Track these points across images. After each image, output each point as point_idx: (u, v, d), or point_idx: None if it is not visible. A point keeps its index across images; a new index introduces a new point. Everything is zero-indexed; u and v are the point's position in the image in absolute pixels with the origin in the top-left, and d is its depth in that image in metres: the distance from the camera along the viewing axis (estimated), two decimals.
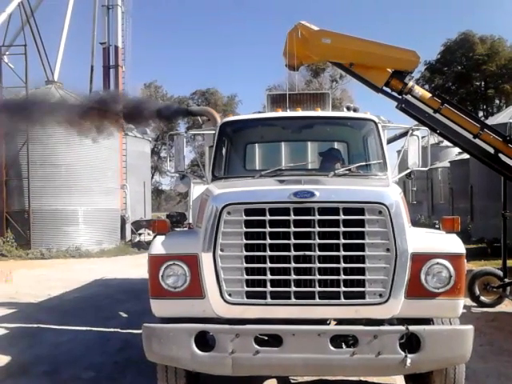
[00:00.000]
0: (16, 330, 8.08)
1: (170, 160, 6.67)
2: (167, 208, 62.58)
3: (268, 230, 3.93)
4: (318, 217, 3.90)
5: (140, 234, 26.56)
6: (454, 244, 4.08)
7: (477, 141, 8.82)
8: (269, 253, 3.94)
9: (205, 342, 4.04)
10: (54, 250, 20.40)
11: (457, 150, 24.83)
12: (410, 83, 9.10)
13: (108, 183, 22.90)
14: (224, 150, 5.88)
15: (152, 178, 51.73)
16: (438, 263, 3.95)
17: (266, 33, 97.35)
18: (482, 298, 9.35)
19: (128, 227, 25.87)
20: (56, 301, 10.82)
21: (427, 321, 4.09)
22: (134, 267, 15.17)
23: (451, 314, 4.08)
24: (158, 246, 4.21)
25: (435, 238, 4.25)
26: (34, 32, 23.20)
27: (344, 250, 3.90)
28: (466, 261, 4.05)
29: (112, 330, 8.05)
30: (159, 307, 4.19)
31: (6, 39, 22.68)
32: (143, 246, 22.95)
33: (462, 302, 4.07)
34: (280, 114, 6.14)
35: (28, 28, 23.09)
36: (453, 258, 3.98)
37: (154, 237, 4.47)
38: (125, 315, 9.28)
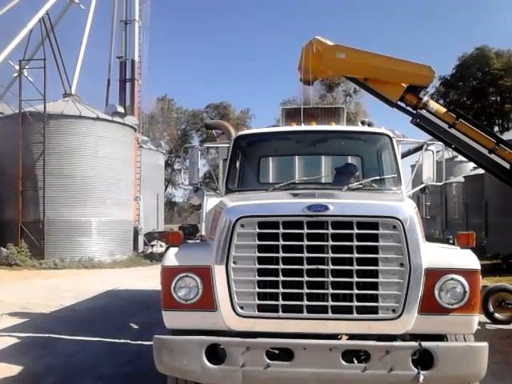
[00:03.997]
0: (27, 340, 8.11)
1: (184, 172, 6.72)
2: (180, 220, 62.77)
3: (281, 243, 3.92)
4: (331, 231, 3.89)
5: (152, 246, 26.71)
6: (468, 259, 4.03)
7: (492, 156, 8.78)
8: (281, 266, 3.92)
9: (215, 354, 4.01)
10: (67, 261, 20.56)
11: (471, 164, 24.67)
12: (425, 98, 9.11)
13: (122, 195, 23.09)
14: (238, 163, 5.90)
15: (165, 190, 52.02)
16: (452, 279, 3.90)
17: (281, 47, 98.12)
18: (497, 315, 9.19)
19: (141, 239, 26.00)
20: (67, 311, 10.86)
21: (441, 337, 4.03)
22: (146, 278, 15.19)
23: (465, 330, 4.02)
24: (171, 257, 4.21)
25: (450, 253, 4.20)
26: (53, 46, 23.75)
27: (357, 265, 3.87)
28: (481, 277, 4.00)
29: (122, 341, 8.04)
30: (171, 319, 4.18)
31: (26, 53, 23.16)
32: (155, 258, 23.05)
33: (477, 318, 4.00)
34: (294, 128, 6.16)
35: (47, 42, 23.62)
36: (468, 273, 3.93)
37: (167, 248, 4.48)
38: (135, 327, 9.28)
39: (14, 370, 6.51)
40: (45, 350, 7.48)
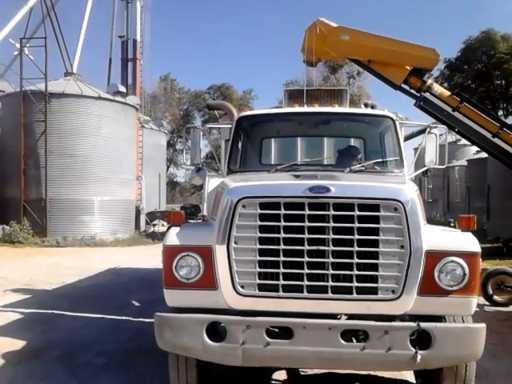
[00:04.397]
0: (30, 316, 8.21)
1: (186, 153, 6.74)
2: (181, 200, 62.89)
3: (282, 224, 3.93)
4: (332, 212, 3.90)
5: (154, 225, 26.80)
6: (469, 242, 4.05)
7: (496, 140, 8.75)
8: (282, 246, 3.95)
9: (216, 332, 4.06)
10: (70, 239, 20.67)
11: (474, 148, 24.58)
12: (429, 81, 9.04)
13: (124, 174, 23.11)
14: (240, 144, 5.89)
15: (167, 170, 52.02)
16: (452, 261, 3.92)
17: (284, 28, 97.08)
18: (496, 297, 9.28)
19: (143, 218, 26.09)
20: (70, 288, 10.97)
21: (439, 318, 4.07)
22: (148, 257, 15.32)
23: (464, 312, 4.06)
24: (173, 237, 4.23)
25: (450, 235, 4.22)
26: (54, 25, 23.50)
27: (358, 246, 3.89)
28: (481, 259, 4.03)
29: (124, 318, 8.15)
30: (172, 297, 4.23)
31: (26, 32, 22.95)
32: (157, 237, 23.18)
33: (476, 300, 4.04)
34: (297, 109, 6.14)
35: (48, 21, 23.37)
36: (468, 256, 3.95)
37: (169, 228, 4.50)
38: (137, 304, 9.38)
39: (17, 344, 6.62)
40: (47, 326, 7.59)
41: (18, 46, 22.57)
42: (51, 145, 21.06)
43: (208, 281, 4.09)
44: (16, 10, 22.42)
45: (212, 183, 8.65)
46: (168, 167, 54.96)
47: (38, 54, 22.30)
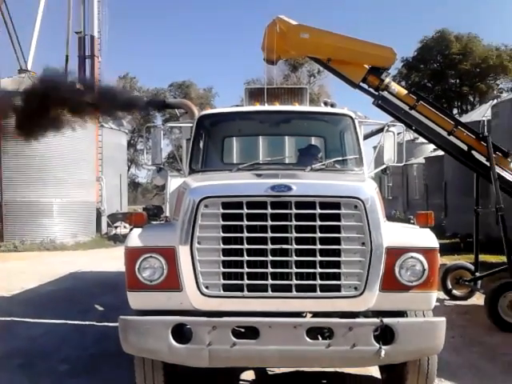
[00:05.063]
0: None
1: (146, 153, 6.65)
2: (144, 201, 62.00)
3: (245, 223, 3.95)
4: (294, 211, 3.93)
5: (116, 227, 26.28)
6: (427, 238, 4.15)
7: (451, 138, 8.95)
8: (246, 246, 3.96)
9: (182, 334, 4.04)
10: (28, 243, 20.03)
11: (432, 146, 25.15)
12: (387, 80, 9.18)
13: (83, 175, 22.55)
14: (201, 143, 5.87)
15: (128, 170, 51.17)
16: (411, 257, 4.02)
17: (245, 25, 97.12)
18: (455, 292, 9.56)
19: (104, 220, 25.56)
20: (30, 294, 10.66)
21: (401, 313, 4.16)
22: (110, 260, 15.02)
23: (424, 306, 4.16)
24: (135, 238, 4.18)
25: (409, 232, 4.32)
26: (5, 19, 22.68)
27: (320, 244, 3.94)
28: (439, 255, 4.13)
29: (88, 322, 7.99)
30: (136, 300, 4.17)
31: None
32: (119, 239, 22.72)
33: (435, 294, 4.15)
34: (258, 107, 6.17)
35: None
36: (426, 252, 4.05)
37: (131, 229, 4.44)
38: (101, 308, 9.21)
39: None
40: (7, 334, 7.36)
41: None
42: (6, 145, 20.27)
43: (172, 282, 4.06)
44: None
45: (174, 183, 8.56)
46: (129, 168, 54.08)
47: None
